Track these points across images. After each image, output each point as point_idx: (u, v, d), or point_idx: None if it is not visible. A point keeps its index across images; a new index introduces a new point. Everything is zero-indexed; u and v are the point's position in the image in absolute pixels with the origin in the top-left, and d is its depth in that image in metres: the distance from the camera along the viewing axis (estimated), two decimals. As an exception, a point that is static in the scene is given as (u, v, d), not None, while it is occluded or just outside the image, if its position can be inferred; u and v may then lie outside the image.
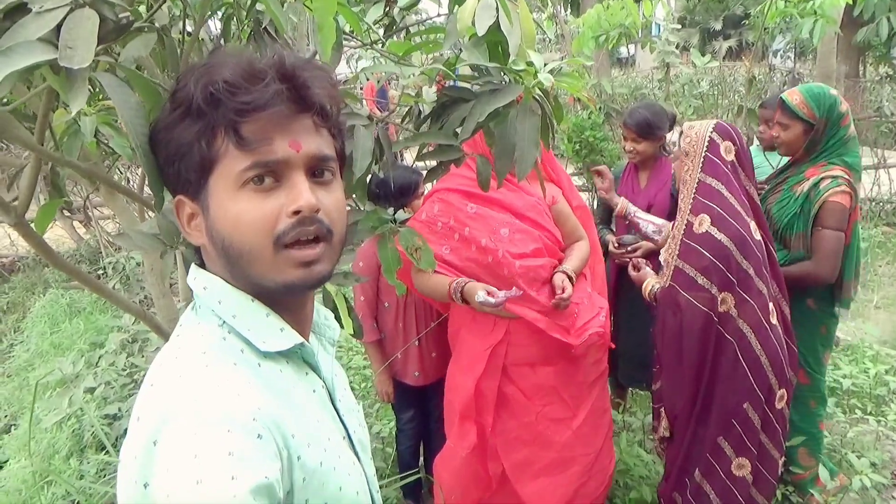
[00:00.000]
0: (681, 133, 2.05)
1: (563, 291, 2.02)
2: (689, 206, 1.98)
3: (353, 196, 1.32)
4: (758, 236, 1.95)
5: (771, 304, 1.95)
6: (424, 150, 1.35)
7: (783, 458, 2.09)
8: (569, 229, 2.26)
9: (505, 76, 1.24)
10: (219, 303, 0.73)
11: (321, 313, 0.89)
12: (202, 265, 0.77)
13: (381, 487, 2.70)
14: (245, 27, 1.36)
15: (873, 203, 7.52)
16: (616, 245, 2.71)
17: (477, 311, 2.13)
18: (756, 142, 3.39)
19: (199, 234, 0.74)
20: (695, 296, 1.93)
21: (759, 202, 2.02)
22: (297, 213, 0.70)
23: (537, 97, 1.22)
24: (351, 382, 3.50)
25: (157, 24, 0.88)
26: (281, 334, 0.74)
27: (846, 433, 3.02)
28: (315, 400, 0.77)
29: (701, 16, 19.96)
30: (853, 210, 2.29)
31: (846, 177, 2.25)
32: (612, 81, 9.13)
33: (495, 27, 1.16)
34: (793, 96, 2.30)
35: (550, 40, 12.00)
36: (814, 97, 2.27)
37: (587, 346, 2.14)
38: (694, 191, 1.97)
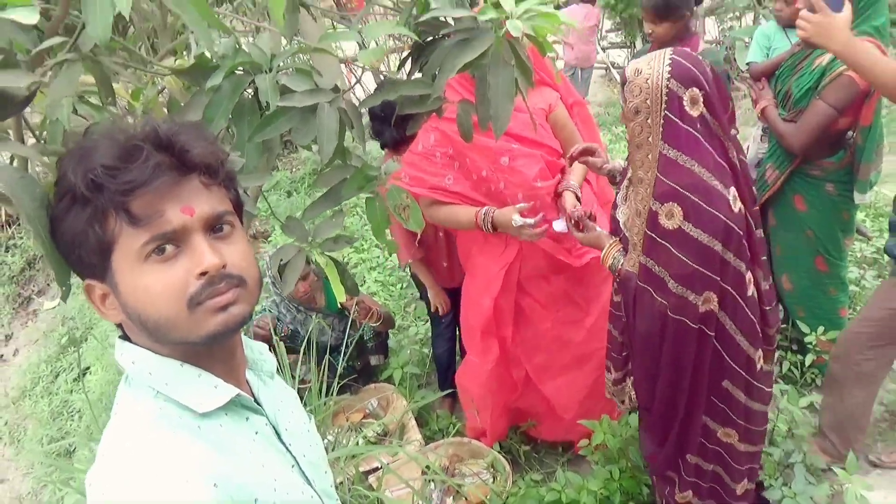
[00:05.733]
0: (623, 82, 1.59)
1: (576, 209, 1.99)
2: (652, 189, 1.57)
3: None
4: (737, 208, 1.56)
5: (748, 275, 1.63)
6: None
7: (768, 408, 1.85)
8: (566, 136, 2.21)
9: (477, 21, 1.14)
10: (149, 374, 0.75)
11: (254, 349, 0.90)
12: (127, 338, 0.79)
13: (420, 388, 2.85)
14: None
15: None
16: None
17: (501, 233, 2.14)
18: (772, 21, 3.20)
19: (115, 313, 0.76)
20: (672, 303, 1.60)
21: (736, 157, 1.60)
22: (203, 273, 0.72)
23: (511, 43, 1.13)
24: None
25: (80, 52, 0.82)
26: (216, 391, 0.77)
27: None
28: (259, 442, 0.80)
29: None
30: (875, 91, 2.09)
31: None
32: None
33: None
34: None
35: None
36: None
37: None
38: (655, 165, 1.55)
